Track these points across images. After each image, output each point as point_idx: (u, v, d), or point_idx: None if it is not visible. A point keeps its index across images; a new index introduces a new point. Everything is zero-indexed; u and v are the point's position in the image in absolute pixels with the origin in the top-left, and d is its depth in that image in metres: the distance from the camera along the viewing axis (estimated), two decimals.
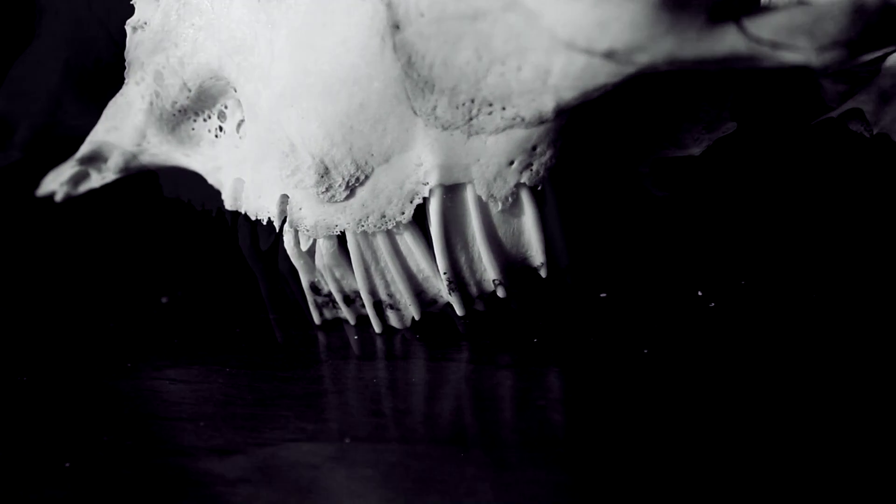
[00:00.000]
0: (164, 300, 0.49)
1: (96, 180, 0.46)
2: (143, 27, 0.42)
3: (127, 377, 0.42)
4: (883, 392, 0.36)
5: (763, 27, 0.30)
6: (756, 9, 0.31)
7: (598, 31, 0.31)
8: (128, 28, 0.43)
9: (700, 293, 0.44)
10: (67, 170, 0.46)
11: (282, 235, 0.41)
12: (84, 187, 0.47)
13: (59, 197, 0.47)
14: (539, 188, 0.39)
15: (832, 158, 0.51)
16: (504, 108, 0.36)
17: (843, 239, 0.47)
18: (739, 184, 0.51)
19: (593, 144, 0.42)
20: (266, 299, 0.46)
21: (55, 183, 0.47)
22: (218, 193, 0.43)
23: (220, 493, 0.33)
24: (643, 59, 0.31)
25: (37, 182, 0.47)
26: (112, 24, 0.44)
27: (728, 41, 0.31)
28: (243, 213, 0.42)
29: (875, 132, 0.41)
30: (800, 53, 0.31)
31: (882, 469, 0.32)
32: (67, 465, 0.36)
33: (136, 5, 0.43)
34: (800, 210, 0.50)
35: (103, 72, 0.42)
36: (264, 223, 0.41)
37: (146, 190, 0.50)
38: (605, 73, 0.33)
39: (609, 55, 0.31)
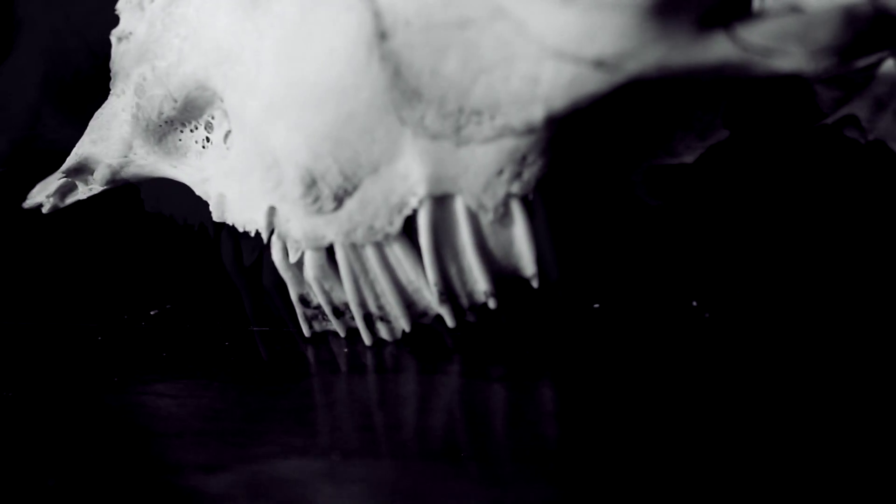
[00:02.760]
0: (153, 313, 0.49)
1: (83, 192, 0.46)
2: (128, 38, 0.42)
3: (114, 391, 0.42)
4: (876, 403, 0.36)
5: (754, 34, 0.30)
6: (747, 16, 0.31)
7: (587, 40, 0.31)
8: (113, 39, 0.43)
9: (695, 304, 0.44)
10: (54, 182, 0.46)
11: (267, 249, 0.41)
12: (71, 199, 0.46)
13: (46, 209, 0.47)
14: (529, 198, 0.39)
15: (827, 165, 0.51)
16: (493, 118, 0.36)
17: (839, 246, 0.47)
18: (733, 192, 0.52)
19: (584, 153, 0.42)
20: (250, 314, 0.46)
21: (42, 195, 0.47)
22: (200, 207, 0.43)
23: None
24: (633, 67, 0.31)
25: (16, 195, 0.47)
26: (91, 36, 0.44)
27: (719, 48, 0.31)
28: (230, 224, 0.42)
29: (870, 138, 0.41)
30: (791, 60, 0.31)
31: (871, 485, 0.31)
32: (51, 482, 0.36)
33: (120, 16, 0.43)
34: (795, 218, 0.50)
35: (83, 84, 0.42)
36: (252, 235, 0.41)
37: (130, 204, 0.50)
38: (594, 82, 0.33)
39: (598, 63, 0.31)
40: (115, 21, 0.43)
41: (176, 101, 0.42)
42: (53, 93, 0.47)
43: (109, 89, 0.43)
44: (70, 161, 0.45)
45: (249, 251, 0.43)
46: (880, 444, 0.33)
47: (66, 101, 0.47)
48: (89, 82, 0.43)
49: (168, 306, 0.50)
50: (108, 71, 0.42)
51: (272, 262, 0.41)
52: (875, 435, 0.34)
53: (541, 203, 0.39)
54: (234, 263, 0.44)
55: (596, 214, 0.48)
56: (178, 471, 0.36)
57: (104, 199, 0.46)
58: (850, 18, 0.30)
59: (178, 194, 0.44)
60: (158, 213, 0.46)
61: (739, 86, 0.41)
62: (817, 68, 0.30)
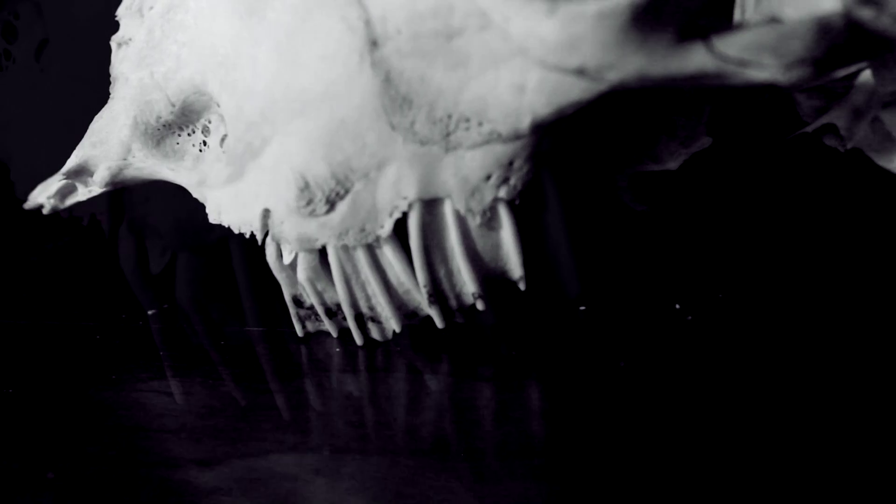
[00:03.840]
0: (151, 313, 0.50)
1: (83, 193, 0.46)
2: (127, 43, 0.43)
3: (112, 388, 0.42)
4: (855, 402, 0.36)
5: (731, 45, 0.31)
6: (724, 27, 0.31)
7: (569, 50, 0.31)
8: (112, 44, 0.43)
9: (678, 306, 0.44)
10: (55, 183, 0.47)
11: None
12: (71, 200, 0.47)
13: (46, 210, 0.47)
14: (516, 202, 0.39)
15: (808, 172, 0.52)
16: (481, 124, 0.37)
17: (818, 251, 0.48)
18: (716, 198, 0.52)
19: (571, 159, 0.42)
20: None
21: (43, 196, 0.47)
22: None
23: (199, 502, 0.34)
24: (613, 77, 0.32)
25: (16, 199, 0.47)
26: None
27: (696, 59, 0.31)
28: (227, 226, 0.43)
29: (849, 147, 0.41)
30: (767, 71, 0.31)
31: (855, 486, 0.32)
32: (51, 475, 0.36)
33: (120, 22, 0.43)
34: (776, 223, 0.50)
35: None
36: (247, 236, 0.42)
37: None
38: (578, 90, 0.34)
39: (580, 72, 0.32)
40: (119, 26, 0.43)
41: (174, 105, 0.42)
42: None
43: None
44: (70, 163, 0.45)
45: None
46: (858, 443, 0.34)
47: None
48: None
49: (165, 306, 0.50)
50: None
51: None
52: (853, 433, 0.34)
53: (560, 221, 0.40)
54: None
55: (583, 218, 0.48)
56: (174, 465, 0.36)
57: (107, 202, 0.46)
58: (824, 31, 0.31)
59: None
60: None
61: (721, 94, 0.41)
62: (791, 79, 0.31)
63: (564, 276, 0.41)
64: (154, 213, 0.46)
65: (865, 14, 0.31)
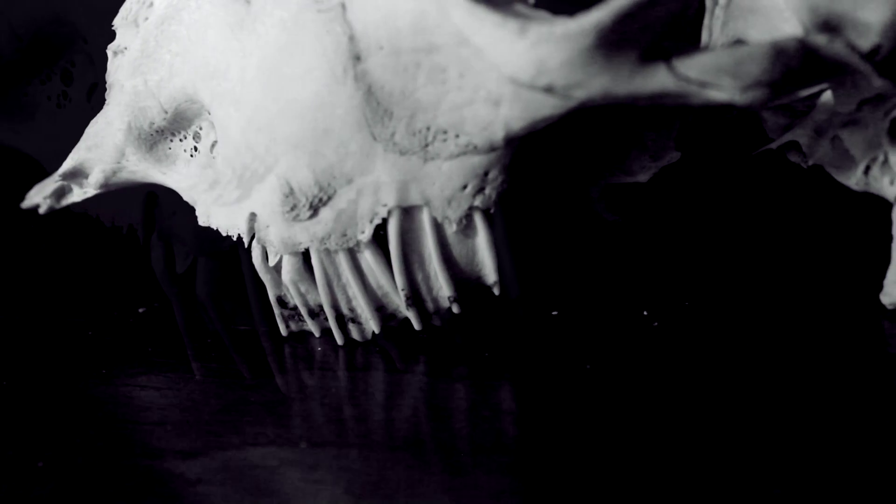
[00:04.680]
0: (141, 310, 0.50)
1: (78, 195, 0.47)
2: (122, 52, 0.44)
3: (101, 382, 0.43)
4: (817, 404, 0.37)
5: (691, 67, 0.32)
6: (685, 50, 0.33)
7: (537, 69, 0.33)
8: (109, 52, 0.44)
9: (645, 313, 0.45)
10: (51, 184, 0.48)
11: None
12: (66, 201, 0.48)
13: (42, 209, 0.48)
14: (491, 211, 0.40)
15: (772, 186, 0.53)
16: (458, 136, 0.38)
17: (781, 261, 0.48)
18: (684, 210, 0.53)
19: (544, 170, 0.44)
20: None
21: (39, 196, 0.48)
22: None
23: (180, 491, 0.35)
24: (580, 95, 0.33)
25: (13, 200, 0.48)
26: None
27: (658, 79, 0.32)
28: (215, 228, 0.44)
29: (811, 163, 0.42)
30: (725, 92, 0.32)
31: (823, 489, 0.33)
32: (40, 464, 0.37)
33: (116, 31, 0.44)
34: (741, 234, 0.51)
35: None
36: (234, 239, 0.43)
37: (125, 210, 0.52)
38: (549, 106, 0.35)
39: (549, 90, 0.33)
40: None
41: (166, 112, 0.43)
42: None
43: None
44: (66, 165, 0.46)
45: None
46: (817, 445, 0.35)
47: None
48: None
49: (155, 305, 0.51)
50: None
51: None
52: (810, 436, 0.35)
53: (501, 222, 0.41)
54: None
55: (557, 228, 0.49)
56: (159, 456, 0.37)
57: (100, 203, 0.47)
58: (779, 55, 0.32)
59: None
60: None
61: (690, 112, 0.43)
62: (748, 100, 0.32)
63: (506, 279, 0.42)
64: (179, 225, 0.49)
65: (820, 40, 0.33)
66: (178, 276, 0.46)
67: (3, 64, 0.43)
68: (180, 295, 0.45)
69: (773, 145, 0.43)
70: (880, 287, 0.44)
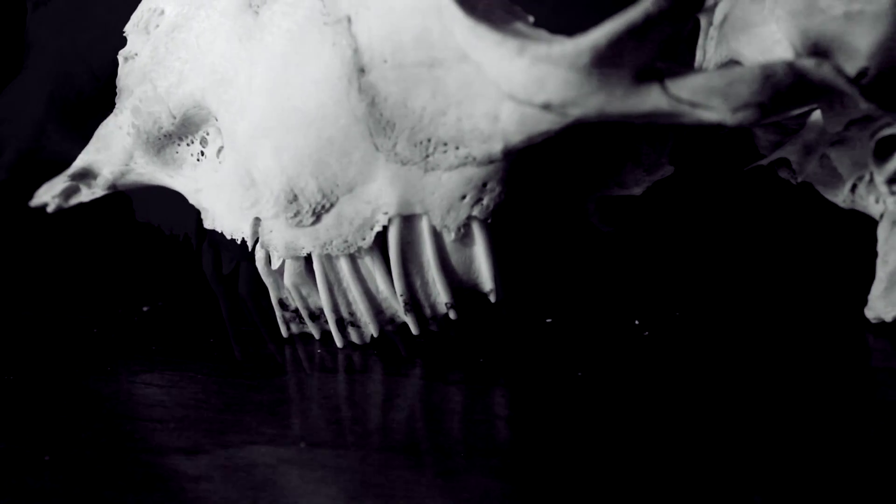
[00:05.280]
0: (145, 309, 0.51)
1: (86, 195, 0.48)
2: (133, 58, 0.44)
3: (106, 380, 0.44)
4: (802, 414, 0.38)
5: (683, 88, 0.33)
6: (678, 71, 0.34)
7: (535, 88, 0.33)
8: (120, 58, 0.45)
9: (637, 322, 0.45)
10: (59, 184, 0.48)
11: (245, 259, 0.43)
12: (74, 200, 0.48)
13: (50, 208, 0.48)
14: (488, 221, 0.41)
15: (762, 201, 0.53)
16: (457, 148, 0.39)
17: (770, 275, 0.49)
18: (676, 222, 0.53)
19: (541, 182, 0.44)
20: (226, 320, 0.47)
21: (48, 195, 0.48)
22: (184, 219, 0.46)
23: (183, 487, 0.35)
24: (576, 112, 0.34)
25: (20, 200, 0.48)
26: (94, 61, 0.46)
27: (652, 99, 0.33)
28: (220, 231, 0.44)
29: (800, 179, 0.43)
30: (716, 113, 0.33)
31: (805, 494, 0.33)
32: (47, 458, 0.37)
33: (128, 38, 0.45)
34: (731, 247, 0.51)
35: (84, 104, 0.45)
36: (238, 242, 0.44)
37: (128, 210, 0.52)
38: (546, 122, 0.36)
39: (546, 107, 0.34)
40: (118, 47, 0.44)
41: (175, 117, 0.44)
42: (58, 110, 0.49)
43: (109, 109, 0.44)
44: (75, 166, 0.47)
45: (228, 261, 0.46)
46: (804, 453, 0.35)
47: (69, 119, 0.49)
48: (91, 103, 0.45)
49: (160, 304, 0.52)
50: (109, 92, 0.44)
51: (248, 272, 0.44)
52: (800, 443, 0.36)
53: (485, 230, 0.41)
54: (213, 272, 0.46)
55: (553, 238, 0.49)
56: (162, 453, 0.38)
57: (106, 204, 0.48)
58: (769, 78, 0.32)
59: (164, 207, 0.47)
60: (147, 223, 0.49)
61: (683, 128, 0.43)
62: (738, 121, 0.33)
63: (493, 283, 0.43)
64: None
65: (808, 64, 0.33)
66: (224, 277, 0.47)
67: (83, 100, 0.45)
68: (225, 292, 0.46)
69: (765, 161, 0.43)
70: (865, 301, 0.44)
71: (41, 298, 0.53)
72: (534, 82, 0.33)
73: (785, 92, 0.33)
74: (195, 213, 0.45)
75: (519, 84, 0.34)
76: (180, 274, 0.54)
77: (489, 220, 0.41)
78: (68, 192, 0.48)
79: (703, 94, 0.33)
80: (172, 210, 0.47)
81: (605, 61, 0.33)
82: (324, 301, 0.43)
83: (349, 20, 0.39)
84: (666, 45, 0.33)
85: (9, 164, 0.48)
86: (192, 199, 0.45)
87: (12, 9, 0.52)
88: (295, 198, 0.41)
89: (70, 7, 0.50)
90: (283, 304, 0.45)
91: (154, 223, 0.50)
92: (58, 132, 0.47)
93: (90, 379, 0.44)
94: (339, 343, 0.45)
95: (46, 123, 0.48)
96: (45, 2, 0.49)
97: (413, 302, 0.43)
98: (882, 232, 0.43)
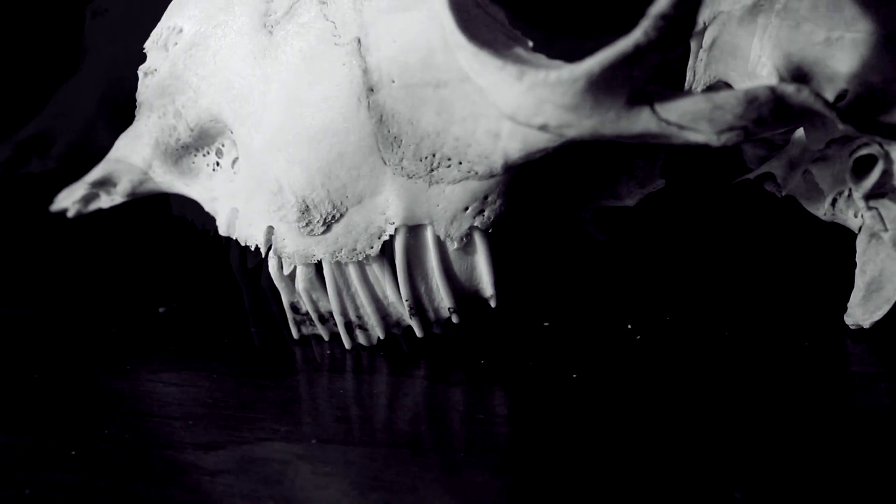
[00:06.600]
0: (161, 310, 0.51)
1: (105, 202, 0.48)
2: (153, 73, 0.45)
3: (126, 378, 0.44)
4: (783, 416, 0.39)
5: (671, 112, 0.34)
6: (667, 95, 0.35)
7: (533, 111, 0.34)
8: (140, 73, 0.46)
9: (629, 326, 0.46)
10: (80, 190, 0.48)
11: (267, 259, 0.44)
12: (93, 206, 0.48)
13: (70, 213, 0.48)
14: (490, 231, 0.42)
15: (748, 213, 0.54)
16: (461, 163, 0.40)
17: (756, 283, 0.49)
18: (667, 232, 0.54)
19: (540, 193, 0.45)
20: (248, 310, 0.48)
21: (68, 201, 0.48)
22: (212, 218, 0.47)
23: (202, 481, 0.36)
24: (571, 133, 0.35)
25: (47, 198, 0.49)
26: (133, 86, 0.48)
27: (642, 122, 0.34)
28: (234, 238, 0.45)
29: (784, 193, 0.43)
30: (702, 135, 0.34)
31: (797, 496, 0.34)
32: (73, 452, 0.39)
33: (147, 54, 0.46)
34: (718, 257, 0.51)
35: (132, 106, 0.46)
36: (252, 249, 0.44)
37: (158, 207, 0.53)
38: (544, 140, 0.37)
39: (543, 129, 0.36)
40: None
41: (192, 129, 0.44)
42: (108, 110, 0.51)
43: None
44: (96, 173, 0.47)
45: (253, 257, 0.47)
46: (797, 463, 0.36)
47: (117, 118, 0.50)
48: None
49: (175, 304, 0.52)
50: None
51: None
52: (788, 446, 0.37)
53: (483, 241, 0.42)
54: (239, 266, 0.48)
55: (551, 247, 0.50)
56: (180, 447, 0.39)
57: (134, 201, 0.48)
58: (751, 102, 0.34)
59: (198, 205, 0.48)
60: (182, 217, 0.50)
61: (674, 146, 0.45)
62: (723, 142, 0.34)
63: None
64: None
65: (788, 89, 0.34)
66: (249, 270, 0.48)
67: (131, 102, 0.47)
68: (250, 284, 0.48)
69: (751, 175, 0.44)
70: (845, 309, 0.44)
71: (61, 299, 0.53)
72: (532, 106, 0.34)
73: (767, 115, 0.34)
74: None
75: (518, 107, 0.35)
76: (196, 276, 0.54)
77: (490, 230, 0.42)
78: (88, 199, 0.48)
79: (690, 118, 0.34)
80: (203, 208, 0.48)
81: (599, 87, 0.34)
82: (333, 305, 0.44)
83: (359, 42, 0.40)
84: (657, 71, 0.34)
85: (59, 154, 0.50)
86: (208, 207, 0.46)
87: (72, 18, 0.54)
88: (307, 209, 0.42)
89: (124, 19, 0.52)
90: (294, 308, 0.46)
91: (188, 218, 0.51)
92: (106, 129, 0.49)
93: (111, 378, 0.44)
94: (347, 345, 0.45)
95: (96, 121, 0.49)
96: (102, 13, 0.51)
97: (418, 306, 0.44)
98: (860, 244, 0.43)
